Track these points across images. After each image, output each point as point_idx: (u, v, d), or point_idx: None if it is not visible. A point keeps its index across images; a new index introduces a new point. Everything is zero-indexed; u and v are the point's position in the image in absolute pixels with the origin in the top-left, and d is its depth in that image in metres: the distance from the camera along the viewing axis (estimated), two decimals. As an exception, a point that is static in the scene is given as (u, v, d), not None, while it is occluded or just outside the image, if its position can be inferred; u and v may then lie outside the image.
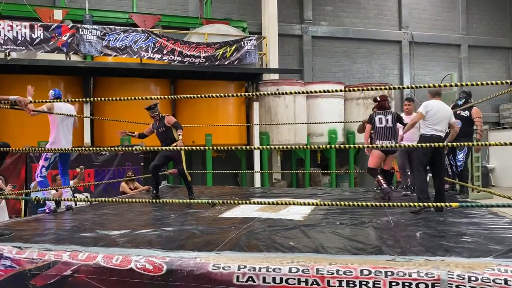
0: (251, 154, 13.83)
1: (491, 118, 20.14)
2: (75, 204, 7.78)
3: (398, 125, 7.23)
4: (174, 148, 6.36)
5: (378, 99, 7.35)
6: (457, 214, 5.50)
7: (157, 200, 6.65)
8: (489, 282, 3.09)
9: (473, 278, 3.11)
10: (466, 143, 4.68)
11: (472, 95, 7.59)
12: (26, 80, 11.07)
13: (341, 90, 5.01)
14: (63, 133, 6.42)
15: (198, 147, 6.31)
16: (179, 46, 12.01)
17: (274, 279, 3.32)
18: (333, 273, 3.27)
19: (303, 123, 13.48)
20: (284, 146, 4.74)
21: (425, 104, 5.86)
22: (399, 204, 4.39)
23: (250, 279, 3.34)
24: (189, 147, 6.51)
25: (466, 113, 7.32)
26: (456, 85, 5.01)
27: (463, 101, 7.46)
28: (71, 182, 8.68)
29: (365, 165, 16.59)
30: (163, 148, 6.36)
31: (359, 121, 8.99)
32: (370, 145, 6.22)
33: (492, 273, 3.13)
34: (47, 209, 6.25)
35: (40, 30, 10.69)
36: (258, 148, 4.88)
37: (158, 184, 7.52)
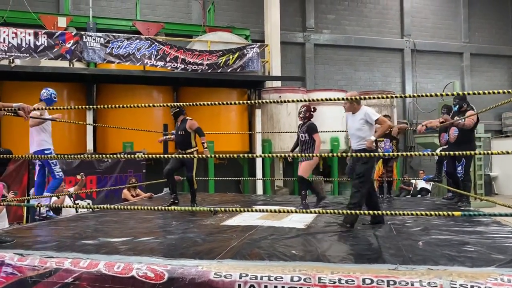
0: (253, 161, 13.84)
1: (493, 126, 20.14)
2: (76, 211, 7.78)
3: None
4: (189, 155, 6.35)
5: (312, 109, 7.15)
6: (460, 223, 5.48)
7: (159, 208, 6.59)
8: (492, 292, 3.07)
9: (475, 288, 3.09)
10: (466, 152, 4.61)
11: (475, 104, 7.43)
12: (29, 87, 11.15)
13: (343, 98, 5.02)
14: (49, 137, 6.45)
15: (200, 155, 6.33)
16: (182, 53, 12.05)
17: (275, 287, 3.31)
18: (335, 282, 3.26)
19: (305, 131, 13.47)
20: (286, 154, 4.73)
21: (373, 110, 5.46)
22: (403, 212, 4.37)
23: (252, 288, 3.33)
24: (191, 155, 6.55)
25: (462, 120, 6.85)
26: (458, 94, 5.01)
27: (457, 107, 7.04)
28: (72, 189, 8.71)
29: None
30: (172, 156, 6.27)
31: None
32: (374, 153, 6.18)
33: (495, 282, 3.11)
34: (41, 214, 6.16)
35: (44, 37, 10.75)
36: (260, 156, 4.89)
37: (174, 187, 7.38)
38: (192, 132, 6.95)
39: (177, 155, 6.94)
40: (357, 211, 4.69)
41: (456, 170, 7.10)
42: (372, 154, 5.16)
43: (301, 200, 7.06)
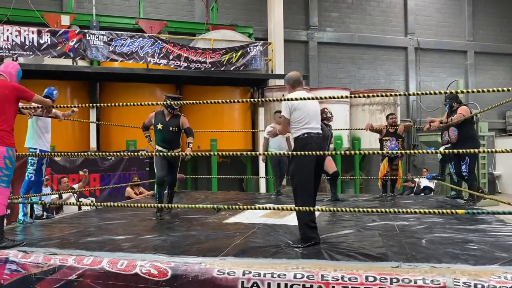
0: (256, 160, 13.83)
1: (497, 124, 20.05)
2: (80, 209, 7.80)
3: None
4: (178, 153, 6.21)
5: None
6: (463, 221, 5.47)
7: (162, 205, 6.53)
8: (496, 290, 3.07)
9: (479, 286, 3.08)
10: (469, 150, 4.57)
11: (479, 102, 7.37)
12: (33, 85, 11.14)
13: (346, 96, 5.00)
14: (39, 135, 6.30)
15: (203, 153, 6.29)
16: (185, 51, 12.06)
17: (279, 285, 3.31)
18: (338, 280, 3.26)
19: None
20: (289, 152, 4.72)
21: (285, 103, 4.51)
22: (406, 210, 4.37)
23: (255, 285, 3.34)
24: (195, 153, 6.52)
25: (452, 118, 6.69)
26: (462, 92, 4.99)
27: (448, 106, 6.88)
28: (76, 186, 8.74)
29: (370, 171, 16.62)
30: (173, 154, 6.08)
31: (363, 129, 8.85)
32: (379, 151, 6.17)
33: (498, 280, 3.10)
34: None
35: (47, 35, 10.78)
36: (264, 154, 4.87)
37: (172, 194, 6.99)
38: (182, 129, 6.48)
39: (181, 154, 6.78)
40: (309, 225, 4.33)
41: (461, 169, 7.00)
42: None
43: (335, 195, 7.81)
